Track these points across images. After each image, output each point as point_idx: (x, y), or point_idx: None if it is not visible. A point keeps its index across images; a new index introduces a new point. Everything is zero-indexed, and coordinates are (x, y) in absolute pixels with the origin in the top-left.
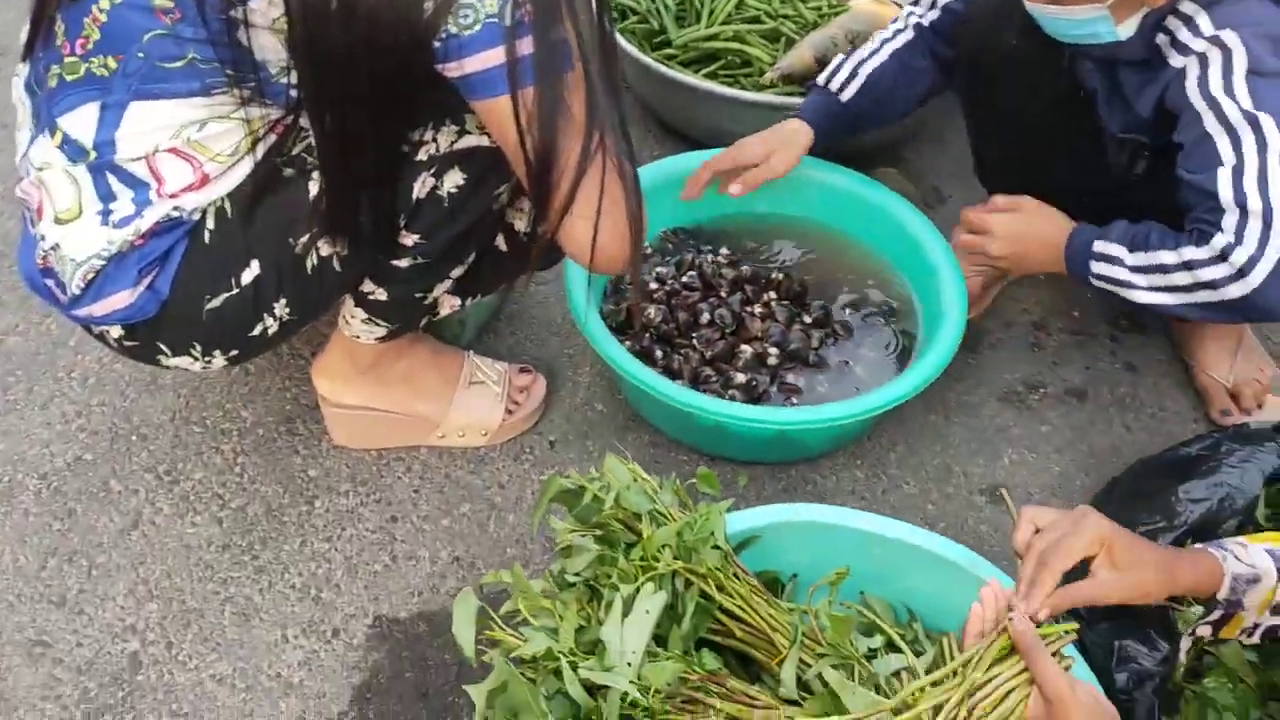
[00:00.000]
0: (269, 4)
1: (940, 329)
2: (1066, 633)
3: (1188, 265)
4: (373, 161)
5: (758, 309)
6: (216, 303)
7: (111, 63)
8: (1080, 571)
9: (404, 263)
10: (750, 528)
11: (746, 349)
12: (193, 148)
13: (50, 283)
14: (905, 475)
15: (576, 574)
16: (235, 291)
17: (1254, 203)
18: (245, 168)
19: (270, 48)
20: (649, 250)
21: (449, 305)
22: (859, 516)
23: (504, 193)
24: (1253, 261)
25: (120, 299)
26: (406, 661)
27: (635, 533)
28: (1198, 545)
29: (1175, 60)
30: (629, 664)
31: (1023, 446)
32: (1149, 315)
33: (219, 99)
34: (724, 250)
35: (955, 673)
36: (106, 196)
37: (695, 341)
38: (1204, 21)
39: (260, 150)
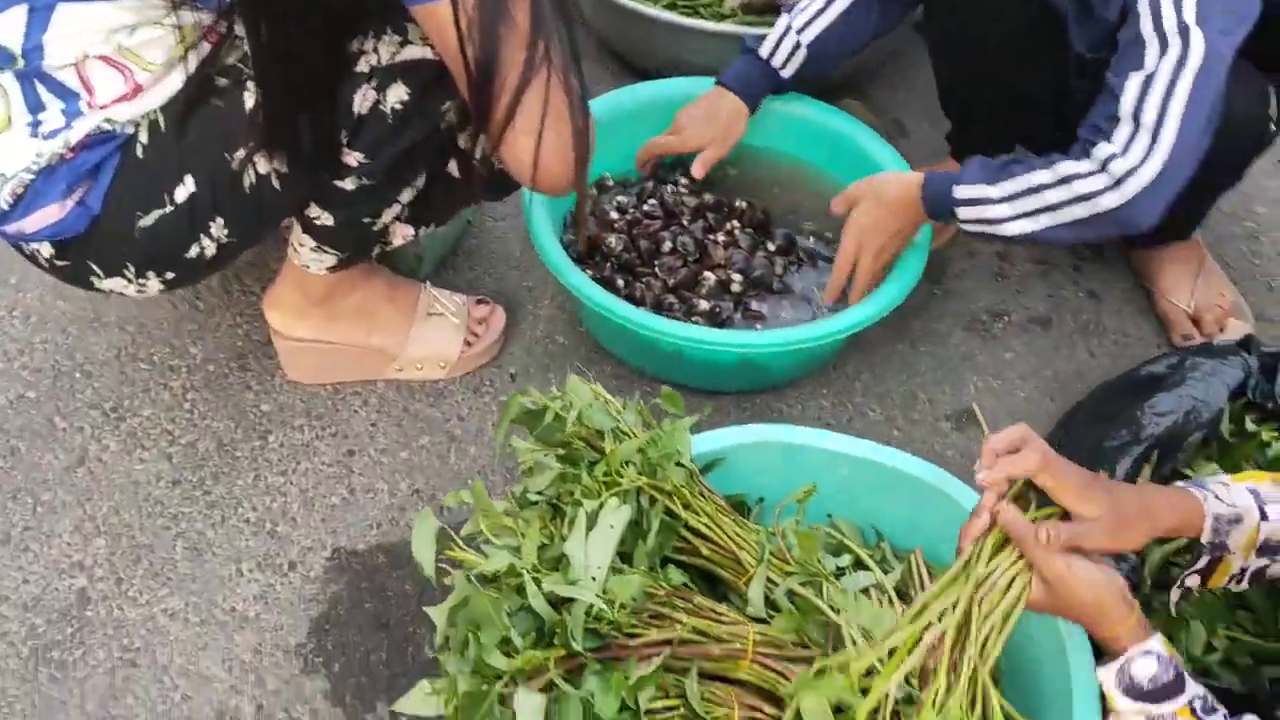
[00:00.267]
0: None
1: (905, 256)
2: (1052, 516)
3: (1065, 180)
4: (310, 71)
5: (721, 237)
6: (149, 220)
7: None
8: None
9: (349, 184)
10: (716, 449)
11: (710, 276)
12: (124, 55)
13: None
14: (871, 403)
15: (539, 493)
16: (169, 209)
17: (1149, 116)
18: (178, 78)
19: None
20: (610, 182)
21: (401, 235)
22: (825, 436)
23: (450, 110)
24: (1131, 173)
25: (49, 214)
26: (366, 593)
27: (598, 451)
28: (1179, 484)
29: None
30: (593, 578)
31: (988, 374)
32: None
33: (150, 1)
34: (684, 180)
35: (958, 576)
36: (35, 107)
37: (657, 270)
38: None
39: (193, 59)
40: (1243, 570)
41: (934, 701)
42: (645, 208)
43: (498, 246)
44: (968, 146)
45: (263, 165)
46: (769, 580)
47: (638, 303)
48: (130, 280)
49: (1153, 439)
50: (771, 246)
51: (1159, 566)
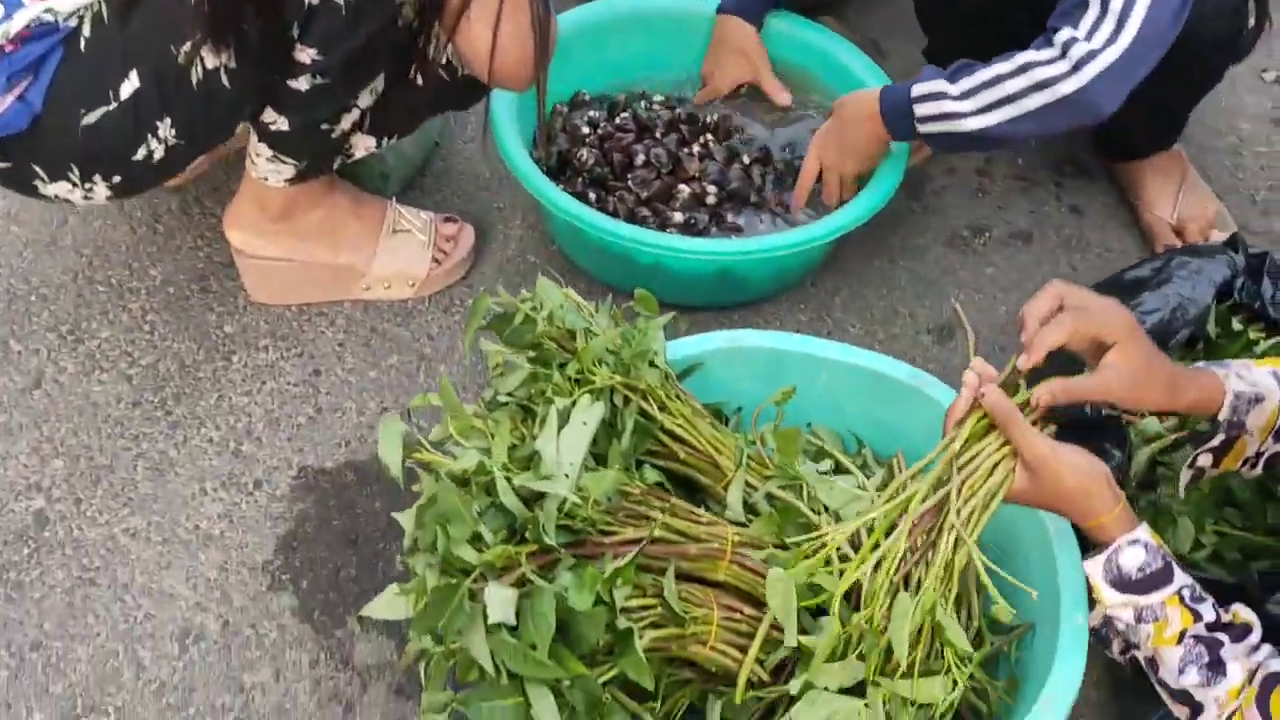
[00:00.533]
0: None
1: (882, 167)
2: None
3: (1024, 68)
4: None
5: (695, 149)
6: (93, 118)
7: None
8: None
9: (303, 84)
10: (692, 354)
11: (684, 189)
12: None
13: None
14: (850, 319)
15: (509, 394)
16: (113, 106)
17: (1116, 1)
18: None
19: None
20: (586, 97)
21: (364, 147)
22: (804, 341)
23: (407, 3)
24: (1091, 55)
25: None
26: (334, 510)
27: (570, 353)
28: (1200, 364)
29: None
30: (566, 475)
31: (969, 288)
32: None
33: None
34: (659, 96)
35: (938, 460)
36: None
37: (630, 183)
38: None
39: None
40: (1258, 455)
41: (912, 584)
42: (618, 121)
43: (466, 168)
44: (945, 64)
45: (210, 60)
46: (748, 484)
47: (611, 217)
48: (76, 185)
49: None
50: (748, 159)
51: (1146, 467)
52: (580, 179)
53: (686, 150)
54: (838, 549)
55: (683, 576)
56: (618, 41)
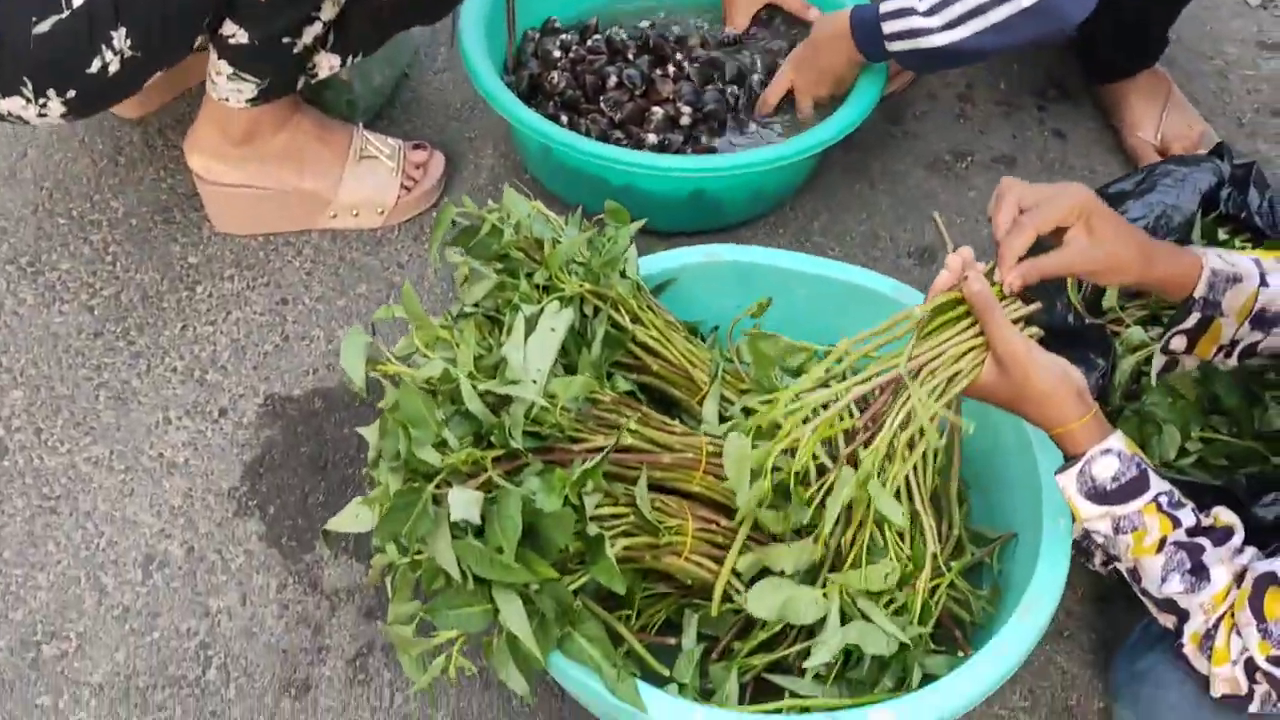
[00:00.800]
0: None
1: (859, 84)
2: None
3: None
4: None
5: (669, 70)
6: (45, 27)
7: None
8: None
9: None
10: (666, 269)
11: (658, 110)
12: None
13: None
14: (830, 242)
15: (475, 305)
16: (65, 14)
17: None
18: None
19: None
20: (558, 24)
21: (327, 65)
22: (780, 255)
23: None
24: None
25: None
26: (302, 437)
27: (538, 263)
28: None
29: None
30: (534, 381)
31: (951, 211)
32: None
33: None
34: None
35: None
36: None
37: (603, 105)
38: None
39: None
40: (1234, 342)
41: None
42: (589, 44)
43: (436, 99)
44: None
45: None
46: (724, 398)
47: None
48: (29, 100)
49: None
50: (723, 81)
51: (1130, 376)
52: (552, 102)
53: (660, 72)
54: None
55: (656, 488)
56: None
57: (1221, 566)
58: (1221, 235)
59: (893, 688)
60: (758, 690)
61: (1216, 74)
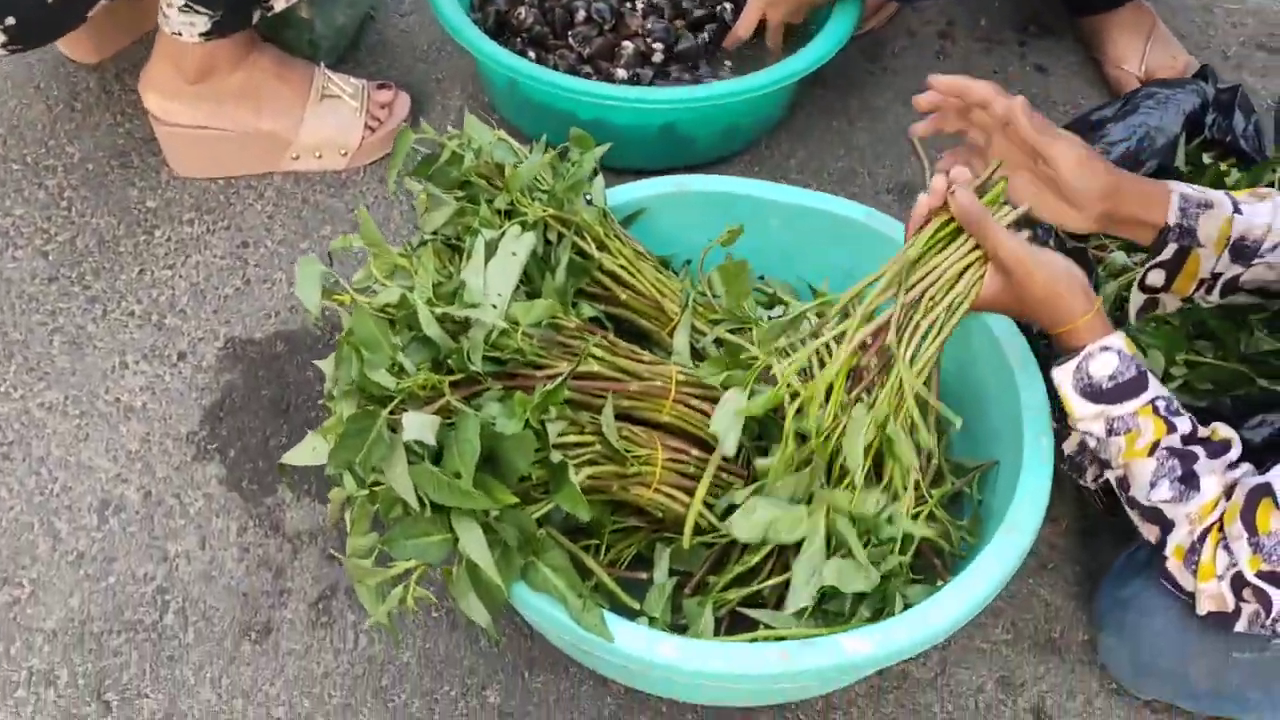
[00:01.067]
0: None
1: (834, 14)
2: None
3: None
4: None
5: (639, 4)
6: None
7: None
8: None
9: None
10: (634, 199)
11: (628, 45)
12: None
13: None
14: (807, 179)
15: (434, 233)
16: None
17: None
18: None
19: None
20: None
21: None
22: (752, 185)
23: None
24: None
25: None
26: (264, 380)
27: (499, 189)
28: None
29: None
30: (494, 306)
31: (931, 147)
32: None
33: None
34: None
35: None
36: None
37: (571, 41)
38: None
39: None
40: (1214, 276)
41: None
42: None
43: (402, 41)
44: None
45: None
46: (695, 329)
47: None
48: None
49: None
50: (696, 15)
51: (1113, 302)
52: (519, 39)
53: (630, 5)
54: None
55: (625, 417)
56: None
57: (1213, 477)
58: (1206, 159)
59: (870, 618)
60: (732, 625)
61: (1201, 8)
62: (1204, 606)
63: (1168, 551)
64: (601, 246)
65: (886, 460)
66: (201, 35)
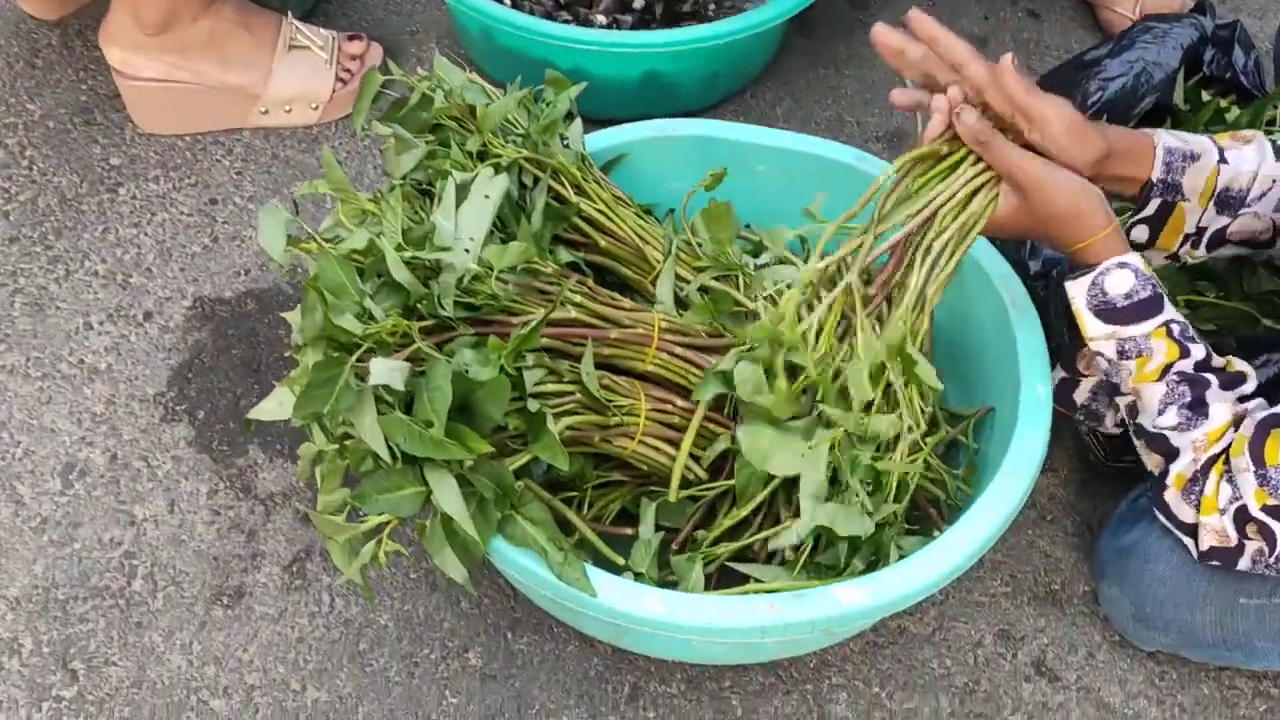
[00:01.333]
0: None
1: None
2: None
3: None
4: None
5: None
6: None
7: None
8: None
9: None
10: (614, 145)
11: None
12: None
13: None
14: (793, 129)
15: (404, 178)
16: None
17: None
18: None
19: None
20: None
21: None
22: (736, 128)
23: None
24: None
25: None
26: (233, 339)
27: (471, 132)
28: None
29: None
30: (466, 250)
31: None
32: None
33: None
34: None
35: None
36: None
37: None
38: None
39: None
40: (1200, 230)
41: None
42: None
43: None
44: None
45: None
46: (679, 277)
47: None
48: None
49: (1100, 103)
50: None
51: None
52: None
53: None
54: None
55: (606, 367)
56: None
57: (1223, 405)
58: (1205, 97)
59: (864, 571)
60: (722, 581)
61: None
62: (1206, 541)
63: (1168, 481)
64: (580, 191)
65: (895, 390)
66: None
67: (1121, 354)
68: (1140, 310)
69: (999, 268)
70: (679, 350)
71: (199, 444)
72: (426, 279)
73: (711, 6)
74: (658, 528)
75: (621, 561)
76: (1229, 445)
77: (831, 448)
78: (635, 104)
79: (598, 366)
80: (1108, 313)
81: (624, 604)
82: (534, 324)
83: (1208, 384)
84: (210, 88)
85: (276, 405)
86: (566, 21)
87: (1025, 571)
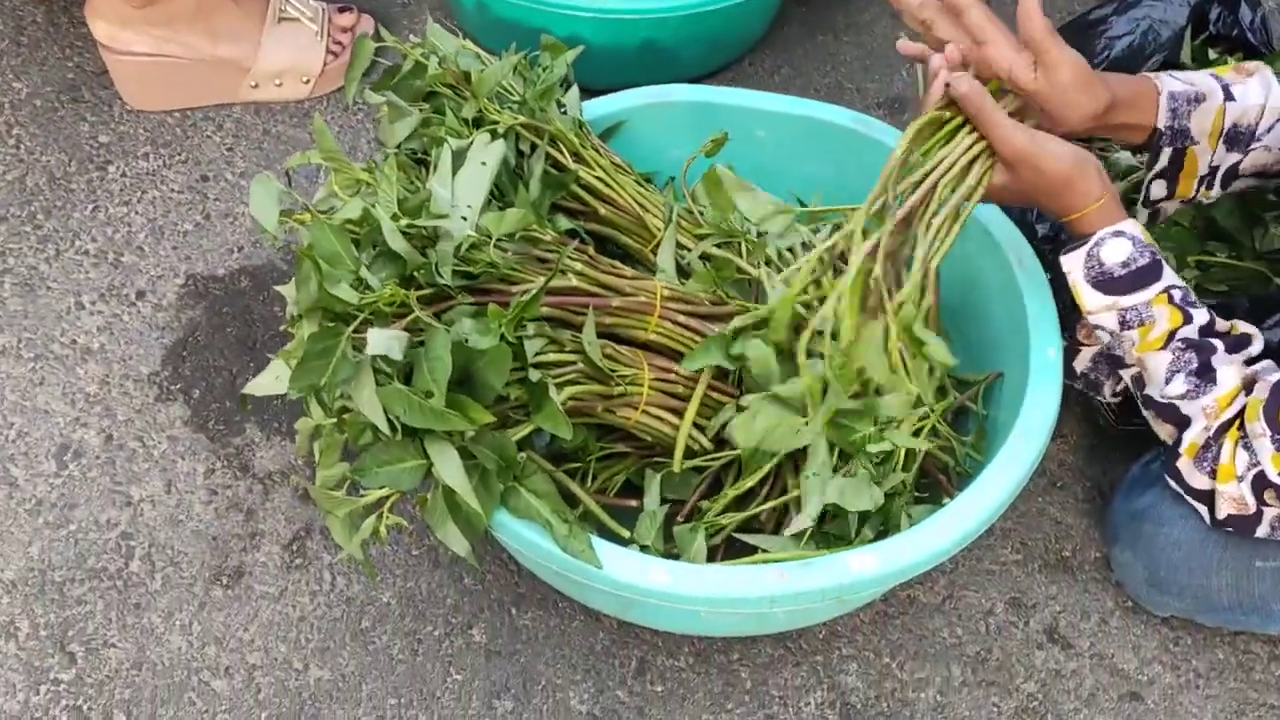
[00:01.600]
0: None
1: None
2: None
3: None
4: None
5: None
6: None
7: None
8: None
9: None
10: (612, 112)
11: None
12: None
13: None
14: (793, 96)
15: (398, 148)
16: None
17: None
18: None
19: None
20: None
21: None
22: (736, 93)
23: None
24: None
25: None
26: (228, 317)
27: (466, 99)
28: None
29: None
30: (464, 217)
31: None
32: None
33: None
34: None
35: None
36: None
37: None
38: None
39: None
40: (1212, 170)
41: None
42: None
43: None
44: None
45: None
46: (680, 246)
47: None
48: None
49: (1106, 62)
50: None
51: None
52: None
53: None
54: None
55: (609, 336)
56: None
57: (1231, 369)
58: (1212, 55)
59: (873, 540)
60: (728, 552)
61: None
62: (1223, 510)
63: (1181, 449)
64: (578, 158)
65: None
66: None
67: (1123, 324)
68: (1139, 278)
69: (1006, 230)
70: (682, 319)
71: (195, 423)
72: (423, 248)
73: None
74: (663, 500)
75: (627, 534)
76: (1241, 410)
77: (833, 425)
78: (633, 73)
79: (599, 336)
80: (1106, 283)
81: (630, 575)
82: (535, 291)
83: (1214, 349)
84: (199, 61)
85: (273, 379)
86: None
87: (1036, 539)
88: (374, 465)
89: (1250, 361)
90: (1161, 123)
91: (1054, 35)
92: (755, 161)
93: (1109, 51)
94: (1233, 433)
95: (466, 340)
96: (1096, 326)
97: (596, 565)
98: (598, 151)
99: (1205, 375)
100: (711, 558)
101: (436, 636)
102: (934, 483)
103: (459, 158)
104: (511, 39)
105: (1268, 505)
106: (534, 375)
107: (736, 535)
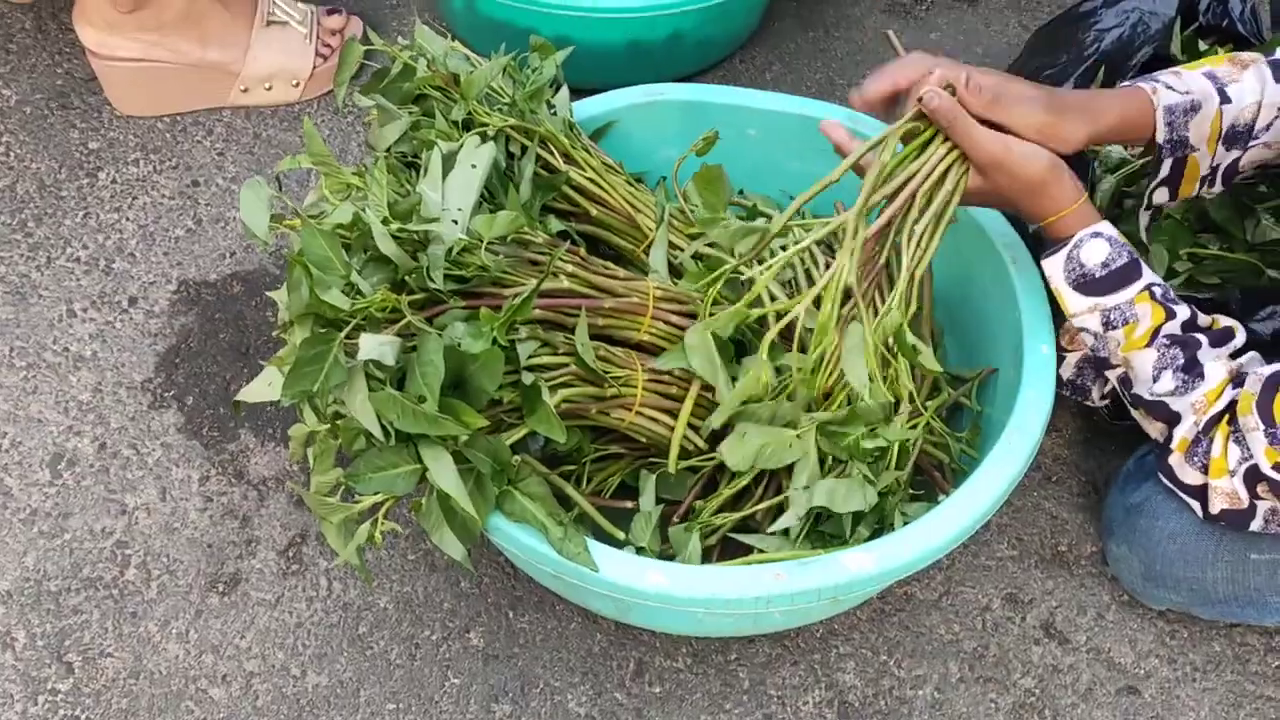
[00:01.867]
0: None
1: None
2: None
3: None
4: None
5: None
6: None
7: None
8: None
9: None
10: (603, 112)
11: None
12: None
13: None
14: (784, 93)
15: (388, 151)
16: None
17: None
18: None
19: None
20: None
21: None
22: (726, 91)
23: None
24: None
25: None
26: (221, 323)
27: (455, 101)
28: (1124, 84)
29: None
30: (454, 221)
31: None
32: None
33: None
34: None
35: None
36: None
37: None
38: None
39: None
40: (1213, 170)
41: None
42: None
43: None
44: None
45: None
46: (672, 245)
47: None
48: None
49: (1096, 55)
50: None
51: (1111, 197)
52: None
53: None
54: (770, 294)
55: (602, 337)
56: None
57: (1217, 363)
58: (1202, 46)
59: (869, 538)
60: (724, 552)
61: None
62: (1216, 504)
63: (1172, 445)
64: (569, 159)
65: (890, 375)
66: None
67: (1107, 324)
68: (1120, 277)
69: (999, 227)
70: (675, 319)
71: (189, 430)
72: (414, 252)
73: None
74: (658, 500)
75: (622, 536)
76: (1230, 404)
77: (823, 434)
78: (622, 72)
79: (592, 337)
80: (1087, 285)
81: (627, 578)
82: (527, 294)
83: (1198, 344)
84: (188, 66)
85: (265, 386)
86: None
87: (1031, 534)
88: (368, 471)
89: (1234, 355)
90: (1160, 137)
91: (997, 104)
92: (747, 160)
93: (1099, 44)
94: (1223, 427)
95: (459, 344)
96: (1081, 329)
97: (593, 568)
98: (588, 152)
99: (1192, 370)
100: (707, 558)
101: (434, 641)
102: (929, 479)
103: (449, 161)
104: (500, 39)
105: (1261, 499)
106: (527, 378)
107: (732, 535)
